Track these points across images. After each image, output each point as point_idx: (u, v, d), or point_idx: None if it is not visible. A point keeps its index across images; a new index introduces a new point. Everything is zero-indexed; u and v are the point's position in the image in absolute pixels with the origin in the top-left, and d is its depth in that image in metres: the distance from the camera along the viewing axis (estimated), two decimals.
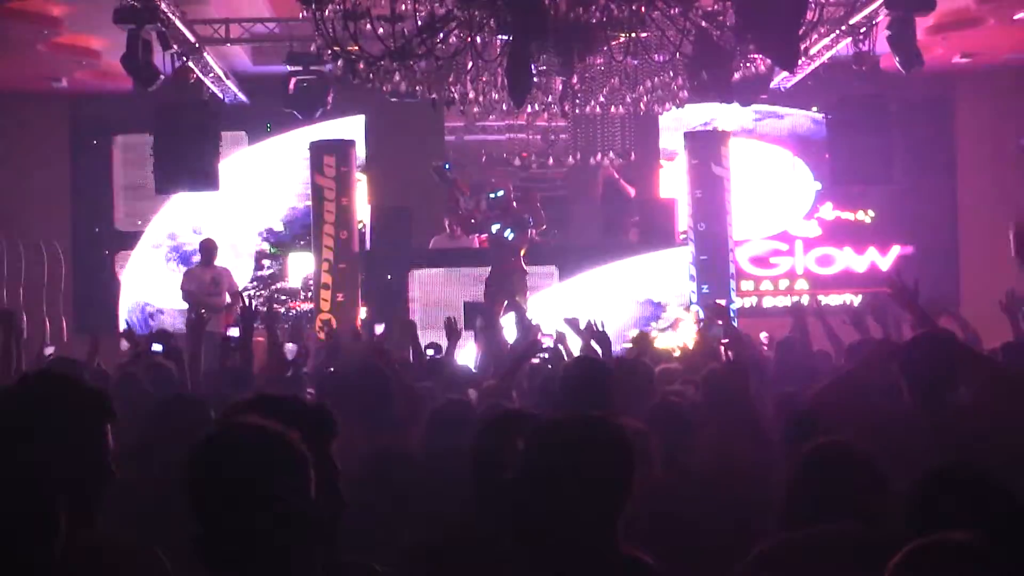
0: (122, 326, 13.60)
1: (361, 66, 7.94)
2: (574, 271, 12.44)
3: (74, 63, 12.39)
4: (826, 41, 10.91)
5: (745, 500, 3.80)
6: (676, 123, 13.59)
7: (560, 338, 7.40)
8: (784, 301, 14.14)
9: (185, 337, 10.64)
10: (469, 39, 7.57)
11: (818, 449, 3.22)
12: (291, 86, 11.70)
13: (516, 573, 2.49)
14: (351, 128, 13.77)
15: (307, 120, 12.30)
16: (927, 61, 10.40)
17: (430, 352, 8.09)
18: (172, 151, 11.10)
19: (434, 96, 8.45)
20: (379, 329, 9.04)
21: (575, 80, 8.47)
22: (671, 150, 14.18)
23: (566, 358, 7.02)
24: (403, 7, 7.54)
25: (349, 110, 13.24)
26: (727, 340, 6.74)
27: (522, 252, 11.59)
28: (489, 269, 11.57)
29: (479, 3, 7.50)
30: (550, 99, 8.96)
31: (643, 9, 7.54)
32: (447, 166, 13.11)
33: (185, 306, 12.48)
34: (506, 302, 11.15)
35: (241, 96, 13.20)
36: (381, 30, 7.57)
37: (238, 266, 13.50)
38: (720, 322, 7.61)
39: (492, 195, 12.31)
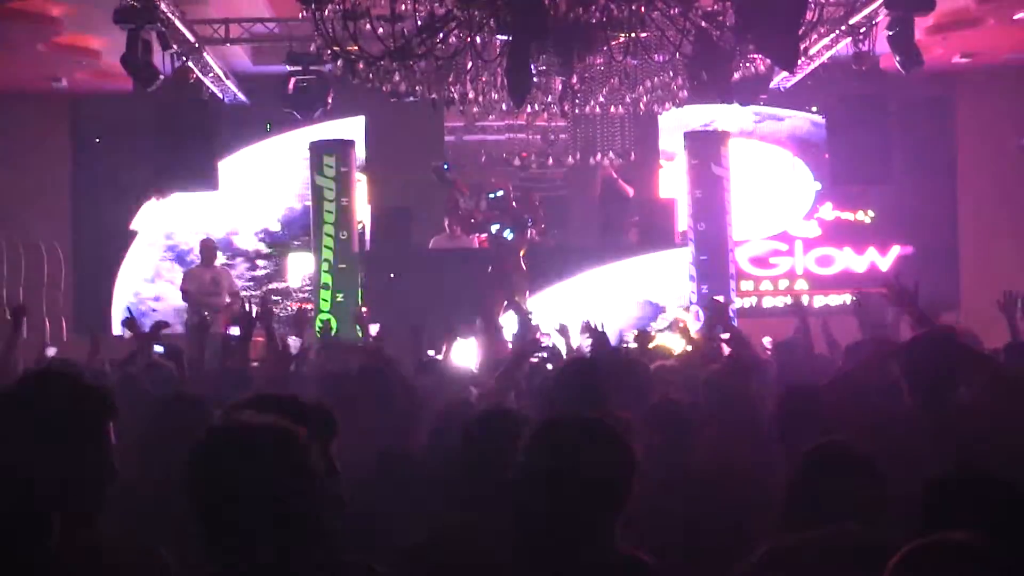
0: (116, 327, 13.61)
1: (361, 66, 7.95)
2: (573, 271, 12.43)
3: (74, 63, 12.39)
4: (826, 41, 10.91)
5: (746, 501, 3.79)
6: (676, 124, 13.59)
7: (564, 328, 7.41)
8: (784, 301, 14.14)
9: (182, 336, 10.72)
10: (469, 39, 7.57)
11: (818, 449, 3.22)
12: (291, 86, 11.71)
13: (515, 573, 2.49)
14: (351, 129, 13.76)
15: (307, 120, 12.30)
16: (927, 61, 10.40)
17: (430, 352, 8.09)
18: (172, 151, 11.11)
19: (434, 96, 8.45)
20: (374, 329, 9.03)
21: (575, 80, 8.47)
22: (671, 151, 14.19)
23: (565, 358, 7.03)
24: (403, 7, 7.55)
25: (349, 111, 13.23)
26: (727, 336, 6.74)
27: (522, 252, 11.59)
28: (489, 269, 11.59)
29: (479, 3, 7.50)
30: (550, 99, 8.96)
31: (643, 9, 7.54)
32: (446, 166, 13.11)
33: (178, 304, 12.50)
34: (506, 302, 11.16)
35: (241, 96, 13.20)
36: (381, 30, 7.57)
37: (231, 266, 13.50)
38: (719, 319, 7.60)
39: (492, 195, 12.32)
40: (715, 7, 7.90)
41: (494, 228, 11.78)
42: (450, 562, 2.94)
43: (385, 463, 3.75)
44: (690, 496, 3.90)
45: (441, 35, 7.77)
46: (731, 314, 8.55)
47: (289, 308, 14.04)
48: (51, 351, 8.44)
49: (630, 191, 13.44)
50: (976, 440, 3.83)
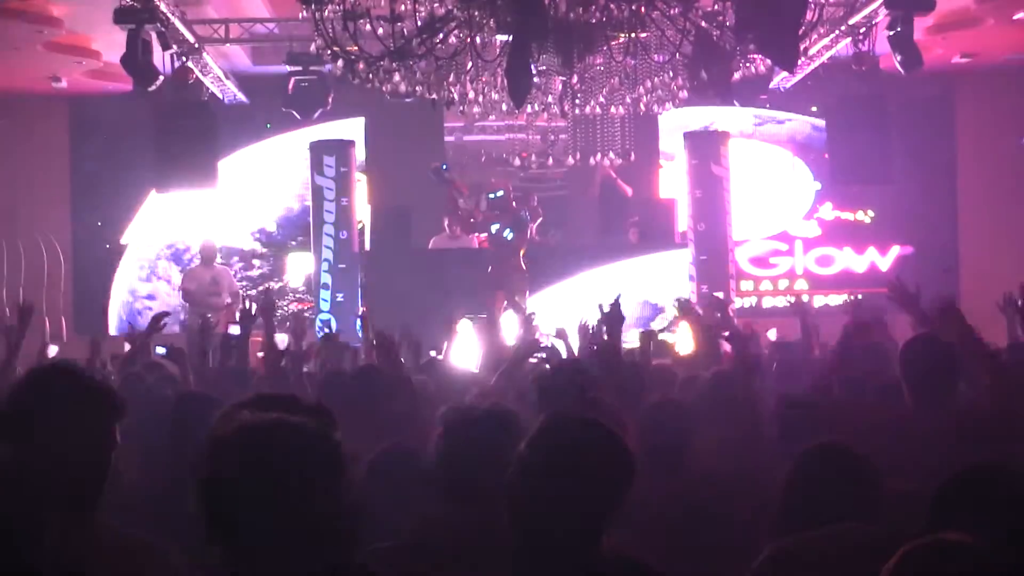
0: (112, 328, 13.64)
1: (361, 66, 7.95)
2: (573, 271, 12.43)
3: (74, 63, 12.39)
4: (826, 41, 10.91)
5: (747, 502, 3.79)
6: (676, 125, 13.60)
7: (562, 331, 7.40)
8: (784, 301, 14.15)
9: (178, 336, 10.73)
10: (469, 39, 7.58)
11: (814, 450, 3.23)
12: (291, 86, 11.71)
13: (510, 573, 2.49)
14: (351, 129, 13.77)
15: (307, 121, 12.31)
16: (927, 61, 10.40)
17: (432, 353, 8.10)
18: (172, 151, 11.12)
19: (434, 96, 8.45)
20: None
21: (575, 80, 8.47)
22: (670, 153, 14.19)
23: (564, 358, 7.02)
24: (403, 7, 7.55)
25: (349, 112, 13.24)
26: (727, 334, 6.73)
27: (522, 252, 11.60)
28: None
29: (479, 3, 7.51)
30: (550, 99, 8.96)
31: (643, 9, 7.54)
32: (444, 167, 13.11)
33: (173, 303, 12.49)
34: (506, 302, 11.16)
35: (241, 96, 13.21)
36: (381, 30, 7.58)
37: (227, 266, 13.51)
38: (719, 315, 7.61)
39: (491, 195, 12.32)
40: (715, 7, 7.90)
41: (494, 228, 11.78)
42: (445, 562, 2.94)
43: (385, 463, 3.75)
44: (690, 497, 3.90)
45: (441, 35, 7.78)
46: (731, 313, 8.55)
47: (287, 308, 14.05)
48: (53, 349, 8.42)
49: (629, 191, 13.44)
50: (976, 440, 3.84)
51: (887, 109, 11.65)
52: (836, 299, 14.29)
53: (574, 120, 9.91)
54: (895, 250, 14.51)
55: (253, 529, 1.96)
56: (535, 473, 2.43)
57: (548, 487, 2.40)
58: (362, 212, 13.21)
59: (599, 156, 10.23)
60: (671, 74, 8.42)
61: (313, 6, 7.69)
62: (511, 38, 7.42)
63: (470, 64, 8.03)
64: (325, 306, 12.36)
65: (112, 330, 13.82)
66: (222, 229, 14.03)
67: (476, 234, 12.66)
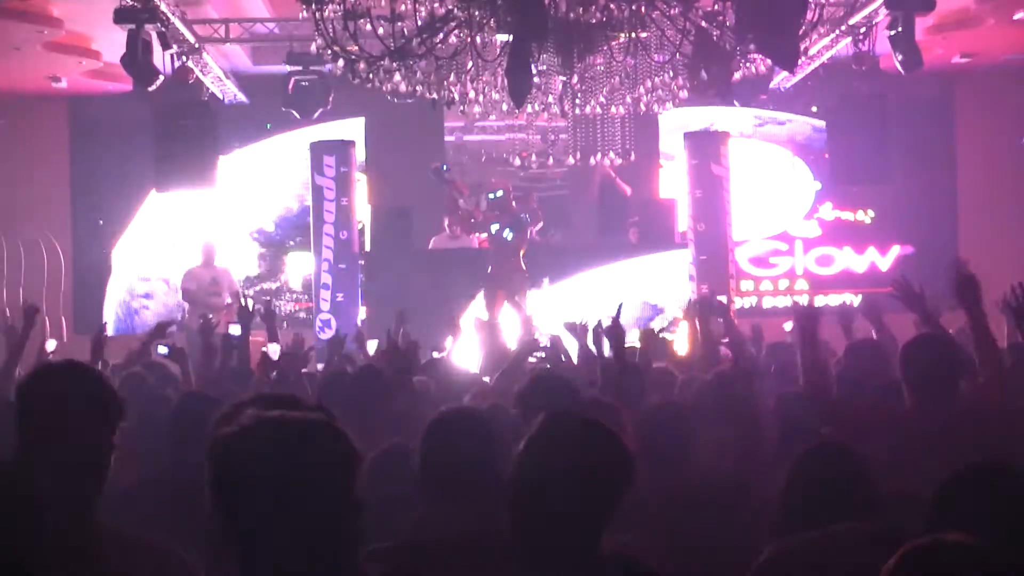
0: (109, 328, 13.62)
1: (361, 66, 7.95)
2: (572, 271, 12.43)
3: (74, 63, 12.39)
4: (826, 41, 10.91)
5: (748, 503, 3.80)
6: (676, 126, 13.59)
7: (556, 339, 7.40)
8: (784, 301, 14.14)
9: (182, 337, 10.73)
10: (469, 39, 7.58)
11: (813, 451, 3.23)
12: (291, 86, 11.71)
13: (508, 573, 2.49)
14: (351, 130, 13.76)
15: (307, 121, 12.30)
16: (927, 61, 10.40)
17: (434, 354, 8.09)
18: (171, 151, 11.12)
19: (434, 96, 8.45)
20: (372, 346, 8.98)
21: (575, 80, 8.48)
22: (670, 154, 14.18)
23: (563, 358, 7.02)
24: (403, 7, 7.56)
25: (349, 112, 13.24)
26: (727, 340, 6.74)
27: (521, 252, 11.59)
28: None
29: (479, 3, 7.51)
30: (550, 99, 8.96)
31: (643, 9, 7.55)
32: (444, 167, 13.11)
33: (168, 302, 12.45)
34: (505, 302, 11.17)
35: (241, 96, 13.20)
36: (381, 30, 7.58)
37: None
38: (720, 320, 7.60)
39: (491, 196, 12.31)
40: (715, 7, 7.91)
41: (494, 228, 11.77)
42: (435, 562, 2.94)
43: (384, 463, 3.75)
44: (690, 497, 3.90)
45: (441, 35, 7.78)
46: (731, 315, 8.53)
47: (281, 307, 14.03)
48: (51, 344, 8.41)
49: (628, 190, 13.43)
50: (976, 440, 3.84)
51: (887, 109, 11.65)
52: (836, 299, 14.30)
53: (574, 120, 9.93)
54: (895, 250, 14.51)
55: (272, 527, 1.93)
56: (534, 473, 2.42)
57: (547, 487, 2.39)
58: (362, 212, 13.20)
59: (599, 156, 10.24)
60: (671, 74, 8.42)
61: (313, 6, 7.70)
62: (511, 38, 7.42)
63: (470, 64, 8.03)
64: (325, 306, 12.35)
65: (109, 330, 13.80)
66: (221, 229, 14.02)
67: (476, 234, 12.65)
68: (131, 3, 9.78)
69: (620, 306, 5.87)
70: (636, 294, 12.27)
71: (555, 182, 14.42)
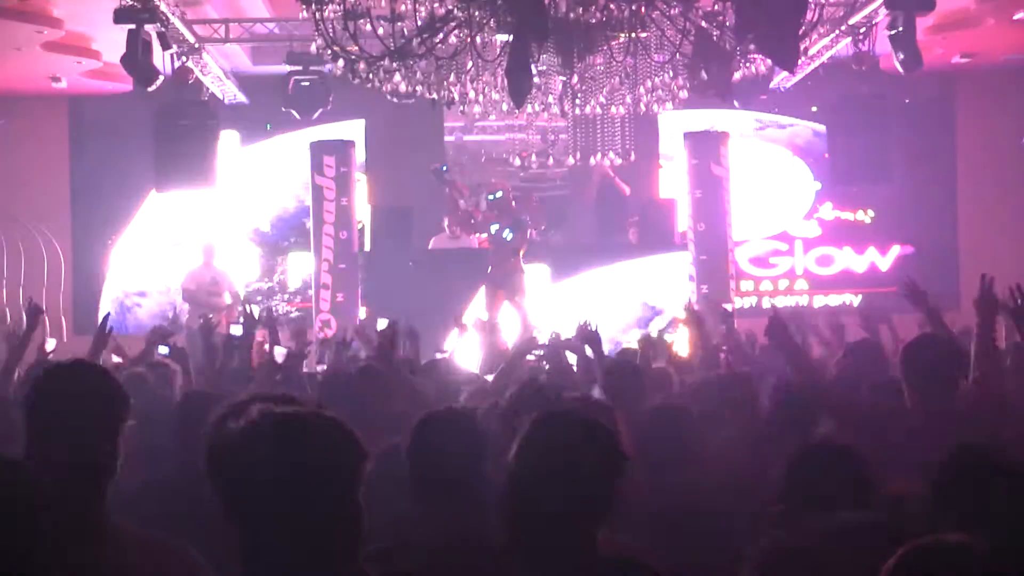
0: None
1: (361, 66, 7.95)
2: (571, 271, 12.42)
3: (74, 63, 12.39)
4: (826, 41, 10.91)
5: (748, 503, 3.80)
6: (676, 127, 13.59)
7: (555, 337, 7.39)
8: (784, 301, 14.14)
9: (182, 337, 10.74)
10: (469, 39, 7.58)
11: (811, 450, 3.24)
12: (291, 86, 11.71)
13: (505, 573, 2.48)
14: (351, 132, 13.74)
15: (306, 122, 12.30)
16: (927, 61, 10.39)
17: (437, 355, 8.10)
18: (172, 151, 11.12)
19: (434, 96, 8.45)
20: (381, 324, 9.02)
21: (575, 80, 8.47)
22: (670, 155, 14.18)
23: (562, 357, 7.02)
24: (403, 7, 7.56)
25: (349, 114, 13.24)
26: (727, 346, 6.75)
27: (521, 252, 11.59)
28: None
29: (479, 3, 7.50)
30: (550, 99, 8.95)
31: (643, 9, 7.54)
32: (444, 168, 13.11)
33: (163, 301, 12.40)
34: (505, 302, 11.17)
35: (241, 96, 13.20)
36: (381, 30, 7.58)
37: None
38: (724, 326, 7.60)
39: (491, 196, 12.31)
40: (715, 7, 7.90)
41: (494, 228, 11.77)
42: (443, 563, 2.94)
43: (383, 464, 3.75)
44: (691, 498, 3.90)
45: (441, 35, 7.77)
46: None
47: (275, 308, 14.02)
48: (51, 343, 8.41)
49: (627, 189, 13.43)
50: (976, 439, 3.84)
51: (887, 109, 11.65)
52: (836, 299, 14.31)
53: (574, 120, 9.91)
54: (895, 250, 14.51)
55: (276, 524, 1.91)
56: (527, 474, 2.40)
57: (541, 487, 2.38)
58: (362, 212, 13.20)
59: (599, 156, 10.23)
60: (671, 74, 8.42)
61: (313, 6, 7.70)
62: (511, 38, 7.42)
63: (470, 64, 8.02)
64: (325, 306, 12.35)
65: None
66: (220, 229, 14.02)
67: (476, 234, 12.66)
68: (131, 3, 9.78)
69: (587, 320, 6.07)
70: (635, 295, 12.27)
71: (555, 182, 14.42)
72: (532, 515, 2.39)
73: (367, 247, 12.95)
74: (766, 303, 14.52)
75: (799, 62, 9.25)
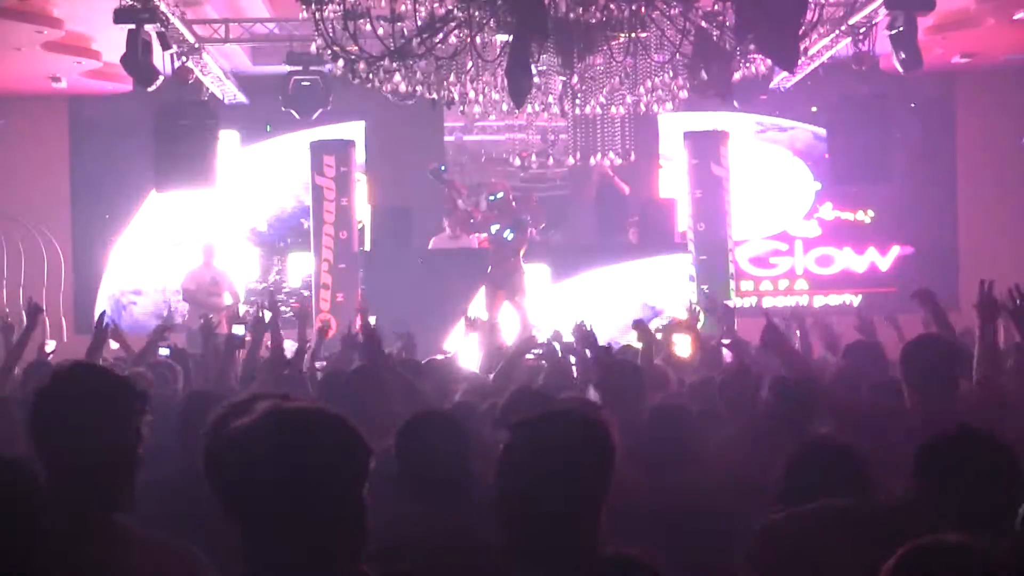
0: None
1: (361, 66, 7.95)
2: (571, 271, 12.42)
3: (74, 63, 12.39)
4: (826, 41, 10.91)
5: (749, 503, 3.80)
6: (677, 132, 13.58)
7: (555, 337, 7.40)
8: (784, 301, 14.13)
9: (181, 337, 10.74)
10: (469, 39, 7.58)
11: (811, 450, 3.24)
12: (291, 86, 11.71)
13: (502, 573, 2.48)
14: (351, 134, 13.74)
15: (306, 123, 12.29)
16: (927, 61, 10.40)
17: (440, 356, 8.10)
18: (171, 151, 11.12)
19: (434, 96, 8.45)
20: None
21: (575, 80, 8.47)
22: (670, 157, 14.17)
23: (561, 357, 7.02)
24: (403, 7, 7.56)
25: (349, 115, 13.24)
26: (728, 342, 6.74)
27: (521, 252, 11.60)
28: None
29: (479, 3, 7.51)
30: (550, 99, 8.96)
31: (643, 9, 7.54)
32: (443, 168, 13.11)
33: (157, 299, 12.37)
34: (505, 302, 11.18)
35: (240, 96, 13.20)
36: (381, 30, 7.58)
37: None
38: (724, 325, 7.61)
39: (491, 197, 12.31)
40: (715, 7, 7.90)
41: (494, 228, 11.77)
42: (441, 562, 2.94)
43: (383, 464, 3.76)
44: (691, 497, 3.90)
45: (441, 35, 7.77)
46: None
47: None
48: (51, 344, 8.42)
49: (626, 188, 13.43)
50: None
51: (887, 109, 11.65)
52: (836, 299, 14.31)
53: (574, 120, 9.91)
54: (895, 250, 14.50)
55: (279, 523, 1.90)
56: (518, 475, 2.39)
57: (535, 487, 2.36)
58: (362, 212, 13.20)
59: (599, 156, 10.23)
60: (671, 74, 8.42)
61: (313, 6, 7.70)
62: (511, 38, 7.42)
63: (470, 64, 8.02)
64: (325, 306, 12.35)
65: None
66: (219, 229, 14.02)
67: (476, 234, 12.65)
68: (131, 3, 9.78)
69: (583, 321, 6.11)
70: (635, 295, 12.27)
71: (555, 182, 14.42)
72: (527, 515, 2.38)
73: (367, 247, 12.95)
74: (766, 303, 14.52)
75: (799, 62, 9.25)
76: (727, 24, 7.82)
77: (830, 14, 10.05)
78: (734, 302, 11.58)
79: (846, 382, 5.28)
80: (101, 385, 2.58)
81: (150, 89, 10.39)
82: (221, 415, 2.00)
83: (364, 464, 1.97)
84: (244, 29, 11.88)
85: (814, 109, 14.20)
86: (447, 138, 14.32)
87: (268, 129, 14.25)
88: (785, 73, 11.51)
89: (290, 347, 6.90)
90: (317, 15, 7.71)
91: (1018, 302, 4.78)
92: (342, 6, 7.56)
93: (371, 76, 8.01)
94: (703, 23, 7.83)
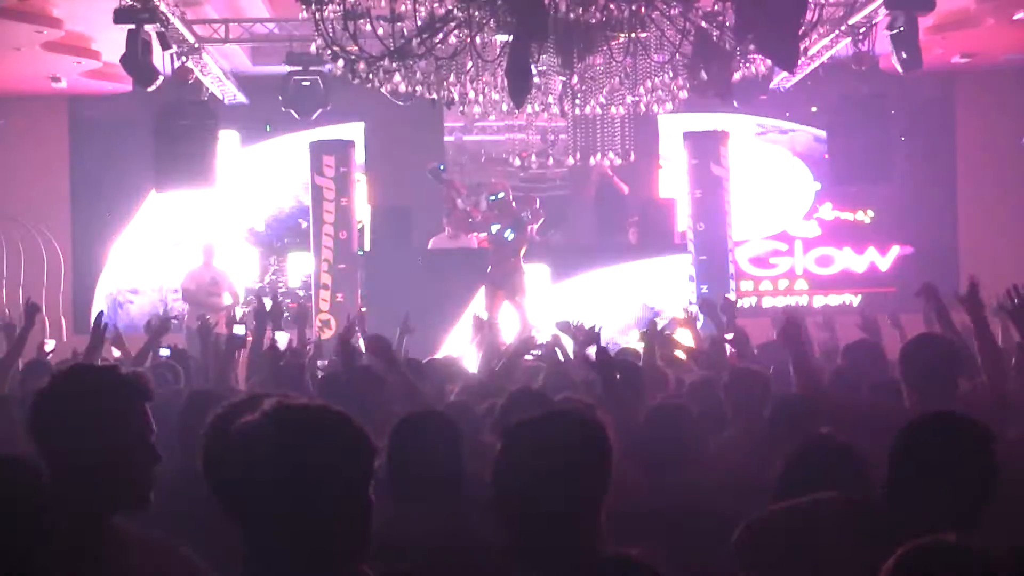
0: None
1: (361, 66, 7.95)
2: (571, 272, 12.42)
3: (74, 63, 12.39)
4: (826, 41, 10.91)
5: (749, 502, 3.80)
6: (677, 133, 13.58)
7: (555, 338, 7.40)
8: (784, 302, 14.13)
9: (181, 337, 10.75)
10: (469, 39, 7.58)
11: (810, 449, 3.24)
12: (290, 86, 11.70)
13: (502, 573, 2.48)
14: (351, 134, 13.73)
15: (306, 123, 12.29)
16: (927, 61, 10.39)
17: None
18: (171, 151, 11.12)
19: (434, 96, 8.45)
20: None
21: (575, 80, 8.47)
22: (671, 153, 14.16)
23: (560, 357, 7.02)
24: (403, 7, 7.55)
25: (348, 116, 13.24)
26: (732, 337, 6.74)
27: (521, 252, 11.60)
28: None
29: (479, 3, 7.50)
30: (550, 99, 8.95)
31: (643, 9, 7.54)
32: (441, 167, 13.11)
33: (154, 298, 12.35)
34: (505, 302, 11.17)
35: (240, 96, 13.20)
36: (381, 30, 7.58)
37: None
38: (725, 318, 7.60)
39: (492, 197, 12.31)
40: (715, 7, 7.90)
41: (494, 228, 11.77)
42: (441, 562, 2.94)
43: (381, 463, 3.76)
44: (691, 497, 3.90)
45: (441, 35, 7.77)
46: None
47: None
48: (50, 344, 8.42)
49: (626, 188, 13.43)
50: None
51: (887, 109, 11.65)
52: (836, 299, 14.31)
53: (574, 120, 9.91)
54: (895, 250, 14.50)
55: (281, 522, 1.88)
56: (515, 476, 2.38)
57: (530, 484, 2.36)
58: (362, 212, 13.20)
59: (599, 156, 10.23)
60: (671, 74, 8.42)
61: (313, 6, 7.69)
62: (511, 38, 7.42)
63: (470, 64, 8.02)
64: (325, 306, 12.35)
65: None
66: (219, 229, 14.02)
67: (476, 234, 12.65)
68: (131, 3, 9.78)
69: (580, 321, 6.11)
70: (635, 295, 12.27)
71: (555, 182, 14.41)
72: (526, 516, 2.38)
73: (367, 247, 12.95)
74: (766, 303, 14.52)
75: (799, 62, 9.25)
76: (727, 24, 7.81)
77: (830, 14, 10.05)
78: (733, 295, 11.56)
79: (846, 382, 5.28)
80: (101, 384, 2.58)
81: (150, 89, 10.39)
82: (221, 415, 2.00)
83: (369, 464, 1.96)
84: (244, 29, 11.88)
85: (814, 109, 14.20)
86: (447, 138, 14.31)
87: (268, 129, 14.24)
88: (785, 73, 11.51)
89: (282, 339, 6.89)
90: (317, 15, 7.71)
91: (1016, 302, 4.78)
92: (342, 6, 7.56)
93: (371, 76, 8.01)
94: (703, 23, 7.83)
